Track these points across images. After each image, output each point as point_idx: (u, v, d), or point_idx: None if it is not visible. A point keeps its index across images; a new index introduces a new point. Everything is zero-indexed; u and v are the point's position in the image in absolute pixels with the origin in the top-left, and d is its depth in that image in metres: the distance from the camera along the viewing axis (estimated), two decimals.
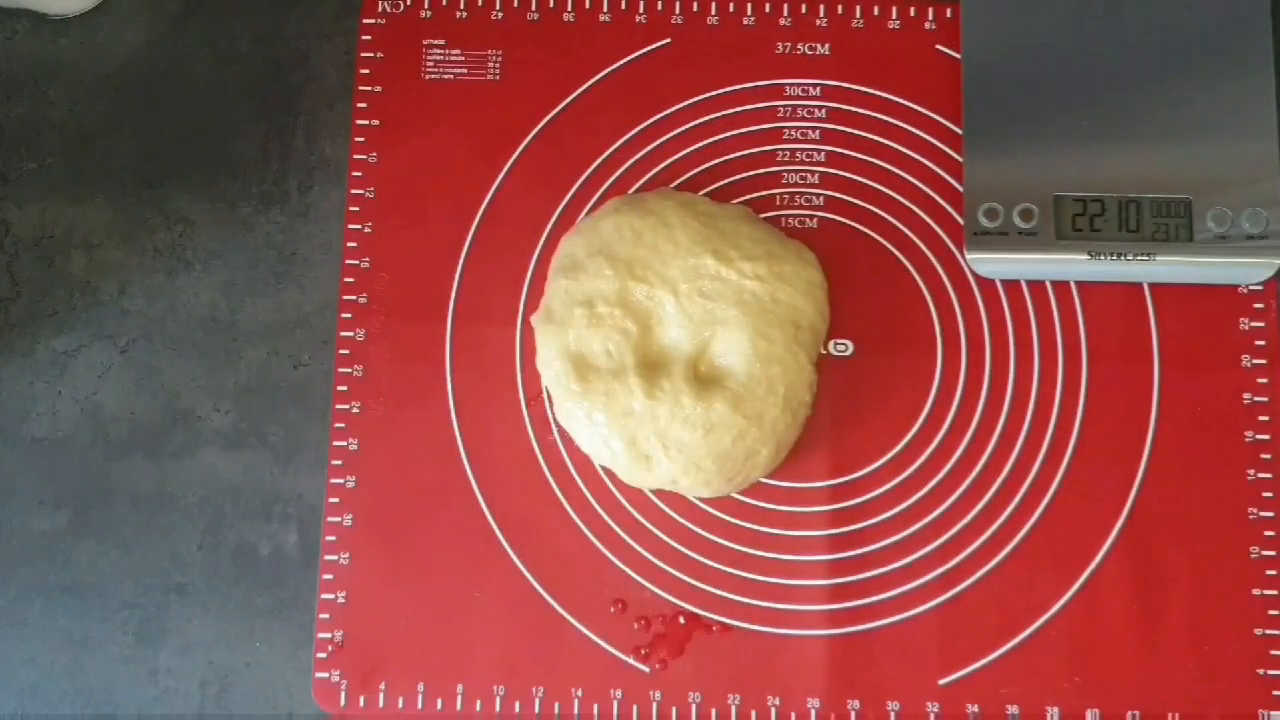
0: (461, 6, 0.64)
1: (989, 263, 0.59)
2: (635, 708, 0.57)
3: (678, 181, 0.61)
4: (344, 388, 0.60)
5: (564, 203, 0.61)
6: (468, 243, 0.61)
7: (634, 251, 0.57)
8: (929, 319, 0.60)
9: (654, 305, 0.57)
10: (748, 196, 0.61)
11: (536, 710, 0.57)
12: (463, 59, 0.63)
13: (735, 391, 0.56)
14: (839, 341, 0.60)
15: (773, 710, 0.57)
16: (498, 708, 0.57)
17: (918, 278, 0.60)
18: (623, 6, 0.63)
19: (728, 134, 0.62)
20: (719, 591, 0.58)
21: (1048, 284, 0.60)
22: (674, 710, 0.57)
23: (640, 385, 0.56)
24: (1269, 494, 0.58)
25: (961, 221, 0.60)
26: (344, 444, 0.60)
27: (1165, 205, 0.58)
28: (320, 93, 0.63)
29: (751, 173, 0.61)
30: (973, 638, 0.57)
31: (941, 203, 0.61)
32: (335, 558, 0.58)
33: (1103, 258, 0.58)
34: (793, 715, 0.57)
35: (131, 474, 0.60)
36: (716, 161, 0.61)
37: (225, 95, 0.64)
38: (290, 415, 0.60)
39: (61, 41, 0.64)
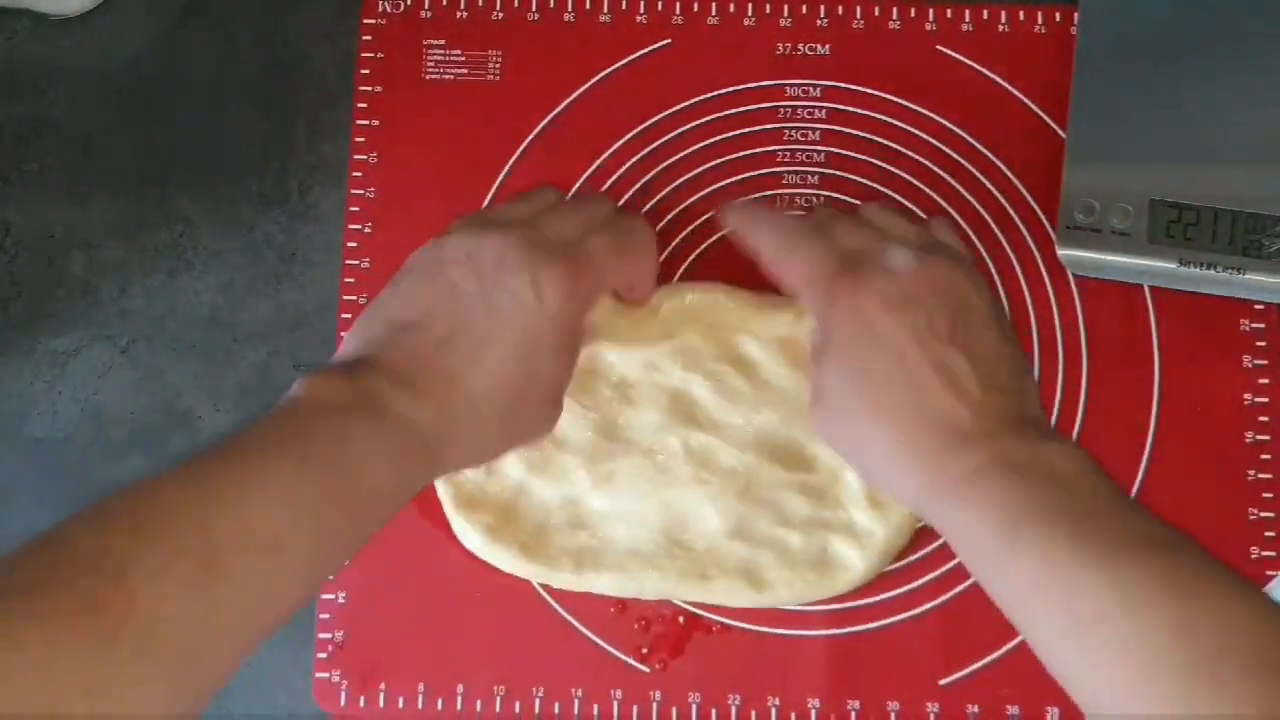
0: (461, 6, 0.63)
1: (1079, 260, 0.58)
2: (635, 708, 0.57)
3: (678, 182, 0.61)
4: None
5: None
6: None
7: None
8: None
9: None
10: (748, 196, 0.61)
11: (536, 710, 0.57)
12: (463, 59, 0.63)
13: None
14: None
15: (773, 710, 0.57)
16: (498, 708, 0.57)
17: None
18: (623, 6, 0.63)
19: (728, 134, 0.62)
20: None
21: (1048, 284, 0.60)
22: (674, 710, 0.57)
23: None
24: (1269, 494, 0.58)
25: (962, 221, 0.60)
26: None
27: (1261, 222, 0.56)
28: (320, 93, 0.63)
29: (751, 173, 0.61)
30: (973, 638, 0.57)
31: (941, 202, 0.61)
32: None
33: (1192, 266, 0.57)
34: (793, 715, 0.57)
35: (131, 474, 0.60)
36: (717, 161, 0.61)
37: (225, 95, 0.64)
38: None
39: (62, 41, 0.64)
